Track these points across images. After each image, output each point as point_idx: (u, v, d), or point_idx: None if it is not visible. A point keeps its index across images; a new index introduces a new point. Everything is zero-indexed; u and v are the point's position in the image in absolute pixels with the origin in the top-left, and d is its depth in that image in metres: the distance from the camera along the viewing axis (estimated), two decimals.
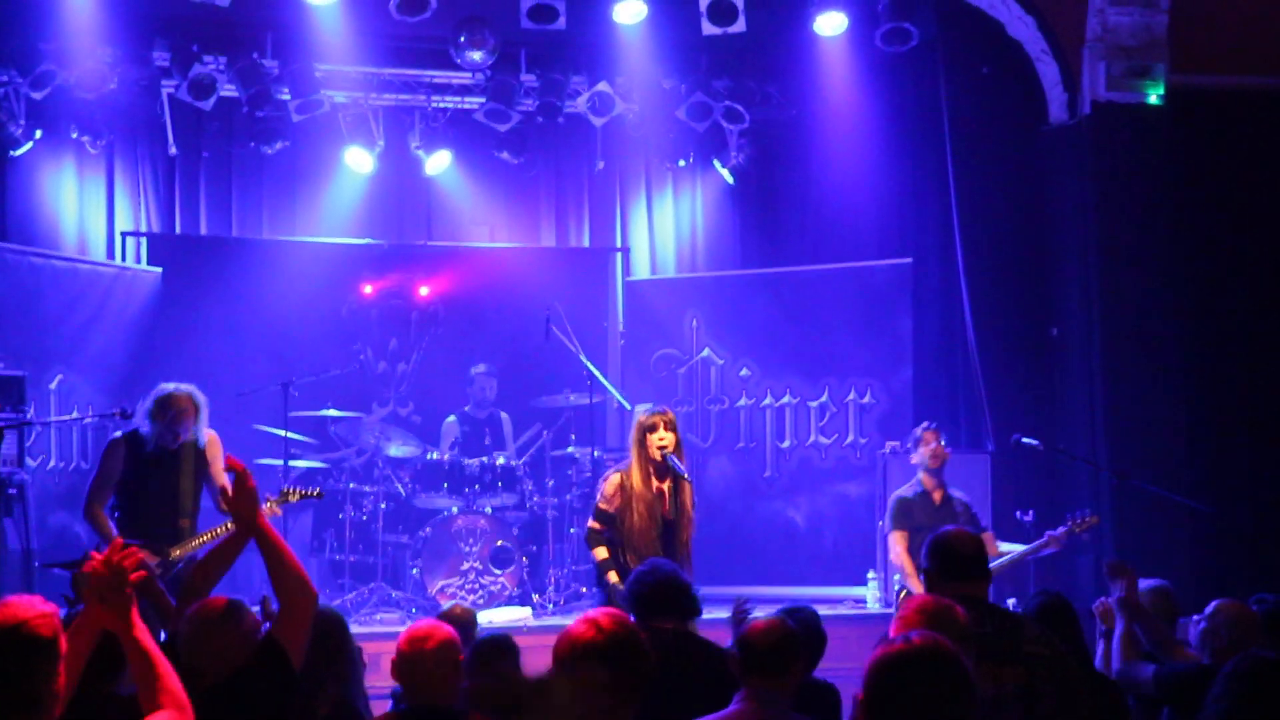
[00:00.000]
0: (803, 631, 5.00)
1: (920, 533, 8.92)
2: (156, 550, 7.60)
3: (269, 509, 7.75)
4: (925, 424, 9.35)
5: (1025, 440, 9.32)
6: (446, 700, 4.79)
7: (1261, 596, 6.20)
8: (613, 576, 7.63)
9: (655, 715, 4.01)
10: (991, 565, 5.69)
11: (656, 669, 3.84)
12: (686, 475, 7.79)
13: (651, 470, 7.80)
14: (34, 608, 3.75)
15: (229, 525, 7.60)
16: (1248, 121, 10.83)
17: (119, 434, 7.95)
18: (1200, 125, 10.78)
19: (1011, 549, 8.84)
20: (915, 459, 9.25)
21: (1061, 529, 8.65)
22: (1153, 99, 10.77)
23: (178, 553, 7.69)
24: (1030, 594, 6.32)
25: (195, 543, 7.76)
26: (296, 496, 8.05)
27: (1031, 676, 4.73)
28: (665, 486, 7.78)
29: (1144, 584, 6.80)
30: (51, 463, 10.60)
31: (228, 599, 4.82)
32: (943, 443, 9.20)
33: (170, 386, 7.94)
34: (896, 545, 9.06)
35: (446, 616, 6.33)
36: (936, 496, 9.11)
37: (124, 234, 12.08)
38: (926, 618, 4.12)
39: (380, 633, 9.32)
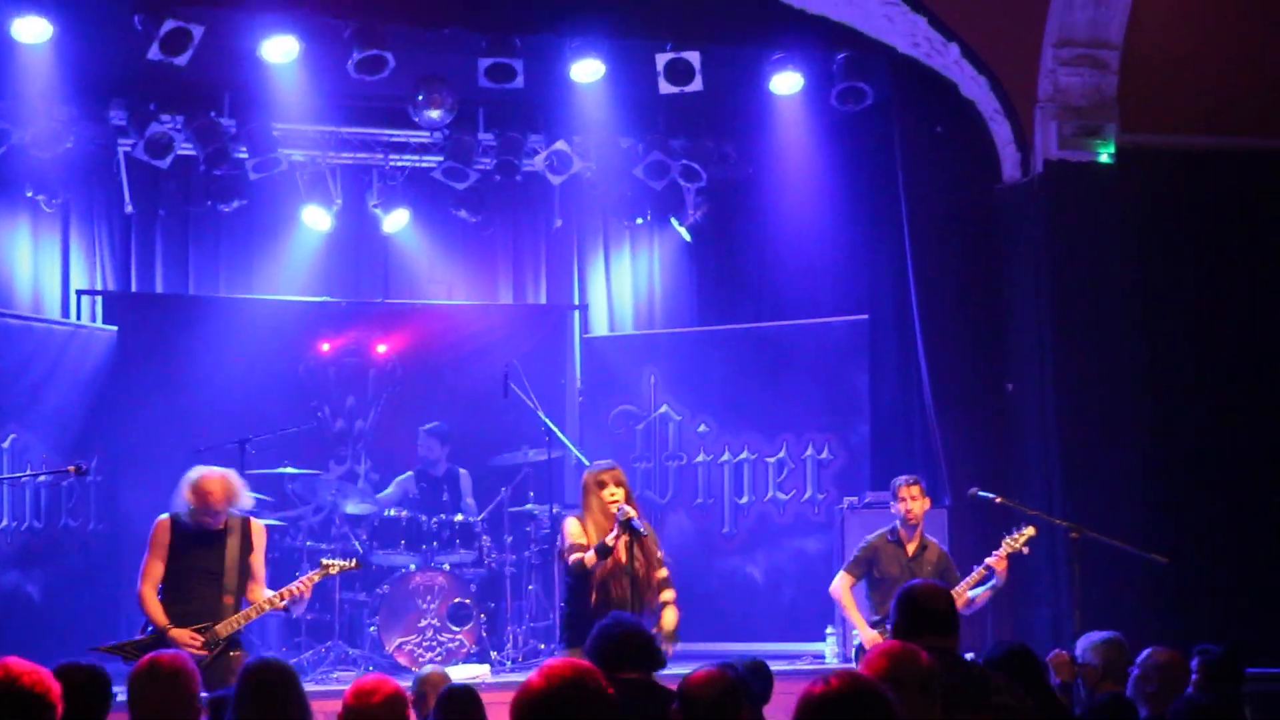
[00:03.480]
0: (749, 679, 4.96)
1: (885, 583, 8.99)
2: (205, 630, 7.59)
3: (312, 579, 7.94)
4: (902, 477, 9.33)
5: (981, 493, 9.36)
6: None
7: (1204, 647, 6.26)
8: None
9: None
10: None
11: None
12: (644, 530, 7.78)
13: (605, 525, 7.80)
14: (34, 668, 3.75)
15: (270, 602, 7.70)
16: (1197, 180, 10.94)
17: (165, 515, 7.86)
18: (1151, 183, 10.88)
19: (972, 593, 8.84)
20: (893, 510, 9.23)
21: (995, 558, 8.71)
22: (1104, 158, 10.88)
23: (223, 632, 7.66)
24: (989, 646, 6.34)
25: (238, 622, 7.73)
26: (337, 569, 8.19)
27: None
28: (618, 543, 7.76)
29: (1097, 636, 6.86)
30: (3, 522, 10.50)
31: (176, 655, 4.82)
32: (920, 496, 9.17)
33: (201, 472, 7.90)
34: (839, 585, 9.14)
35: (425, 682, 6.31)
36: (910, 548, 9.10)
37: (79, 292, 12.05)
38: (890, 661, 4.10)
39: (336, 690, 9.23)
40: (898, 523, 9.15)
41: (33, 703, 3.70)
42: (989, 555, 8.83)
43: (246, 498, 8.00)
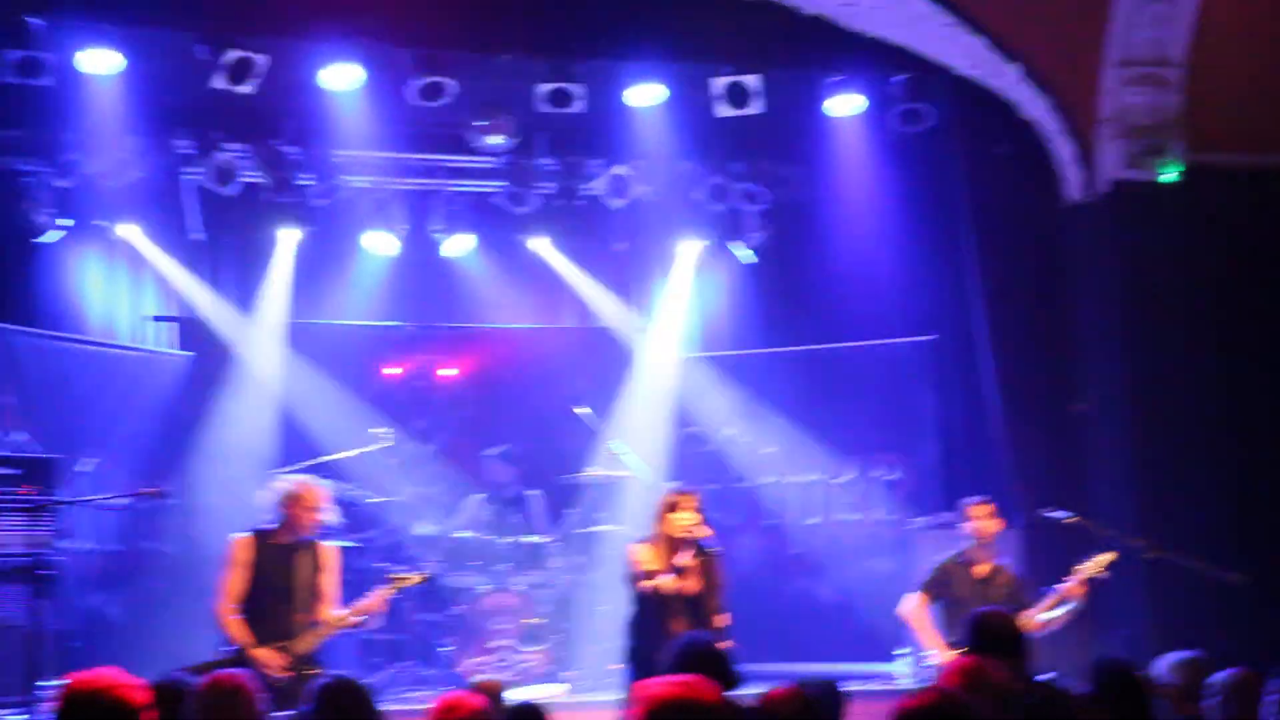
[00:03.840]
0: (819, 699, 4.98)
1: (956, 605, 8.96)
2: (283, 650, 7.68)
3: (384, 595, 8.09)
4: (971, 498, 9.33)
5: (1053, 513, 9.33)
6: None
7: None
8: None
9: None
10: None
11: None
12: (713, 549, 7.80)
13: (674, 546, 7.82)
14: (128, 678, 3.89)
15: (344, 619, 7.87)
16: (1266, 198, 10.90)
17: (243, 533, 7.96)
18: (1218, 202, 10.83)
19: (1048, 616, 8.80)
20: (965, 528, 9.21)
21: (1071, 580, 8.66)
22: (1169, 177, 10.85)
23: (301, 649, 7.73)
24: (1091, 663, 6.31)
25: (316, 638, 7.84)
26: (408, 583, 8.33)
27: None
28: (688, 563, 7.77)
29: (1177, 656, 6.82)
30: (85, 545, 10.64)
31: (235, 675, 4.89)
32: (990, 516, 9.16)
33: (296, 481, 7.99)
34: (911, 604, 9.09)
35: (476, 689, 6.34)
36: (982, 570, 9.08)
37: (156, 318, 12.21)
38: (964, 677, 4.12)
39: (411, 710, 9.28)
40: (971, 544, 9.13)
41: (123, 713, 3.84)
42: (1064, 577, 8.79)
43: (334, 510, 8.10)
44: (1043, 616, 8.69)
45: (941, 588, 9.09)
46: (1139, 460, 10.61)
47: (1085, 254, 11.13)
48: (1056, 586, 8.79)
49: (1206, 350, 10.73)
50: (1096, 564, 8.69)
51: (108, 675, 4.02)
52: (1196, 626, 9.33)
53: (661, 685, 3.81)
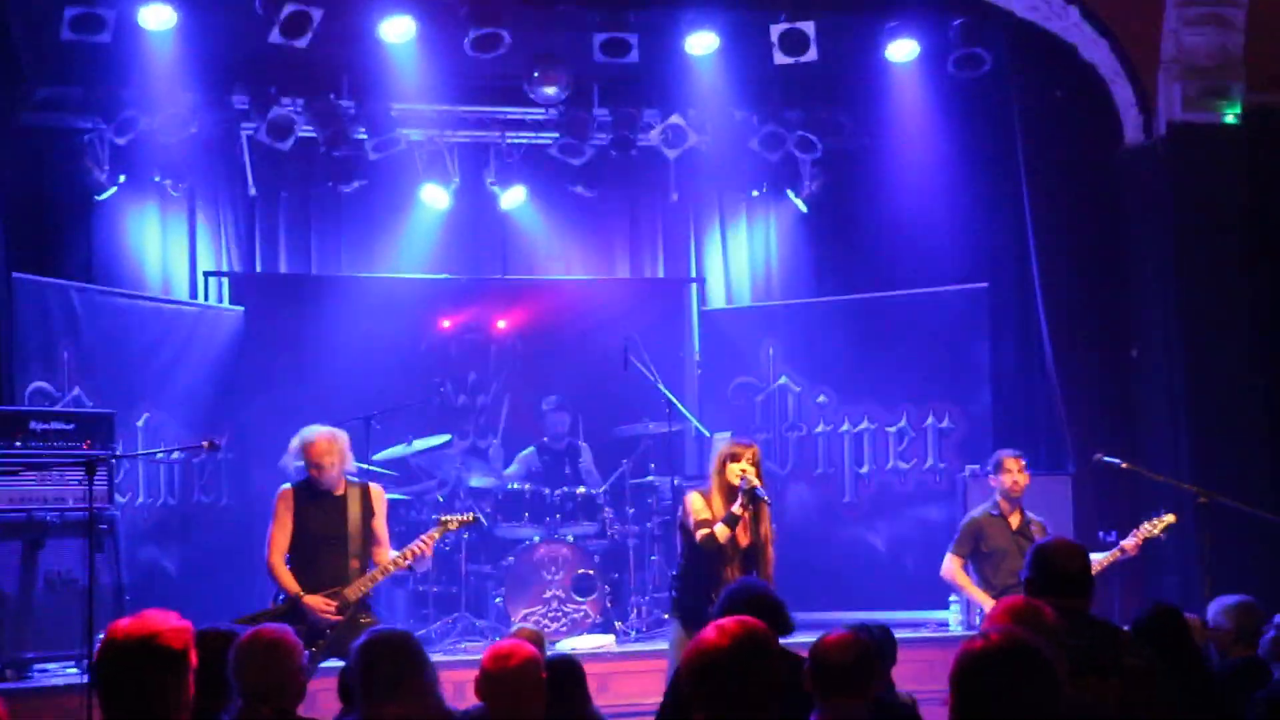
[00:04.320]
0: (875, 645, 4.95)
1: (994, 555, 8.98)
2: (335, 595, 7.79)
3: (433, 537, 8.12)
4: (1008, 450, 9.30)
5: (1106, 459, 9.26)
6: (530, 718, 4.82)
7: None
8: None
9: None
10: None
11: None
12: (767, 498, 7.78)
13: (731, 496, 7.80)
14: (167, 621, 3.93)
15: (395, 563, 7.92)
16: None
17: (287, 485, 8.06)
18: (1278, 145, 10.67)
19: (1094, 558, 8.77)
20: (994, 483, 9.21)
21: (1131, 539, 8.62)
22: (1230, 119, 10.69)
23: (352, 595, 7.84)
24: (1136, 608, 6.27)
25: (367, 583, 7.92)
26: (456, 524, 8.38)
27: (1127, 688, 4.69)
28: (745, 514, 7.76)
29: (1229, 600, 6.79)
30: (140, 499, 10.81)
31: (278, 628, 4.92)
32: (1025, 469, 9.15)
33: (306, 431, 8.06)
34: (949, 566, 9.14)
35: (515, 637, 6.38)
36: (1014, 521, 9.07)
37: (206, 274, 12.28)
38: (1013, 617, 4.08)
39: (464, 660, 9.39)
40: (998, 497, 9.11)
41: (164, 657, 3.89)
42: (1126, 533, 8.74)
43: (349, 457, 8.14)
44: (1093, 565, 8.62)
45: (976, 541, 9.09)
46: (1192, 407, 10.50)
47: (1142, 198, 10.98)
48: (1119, 543, 8.74)
49: (1261, 294, 10.59)
50: (1158, 525, 8.63)
51: (149, 620, 4.06)
52: (1249, 573, 9.27)
53: (716, 627, 3.78)
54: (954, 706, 3.19)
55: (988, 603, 8.79)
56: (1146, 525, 8.67)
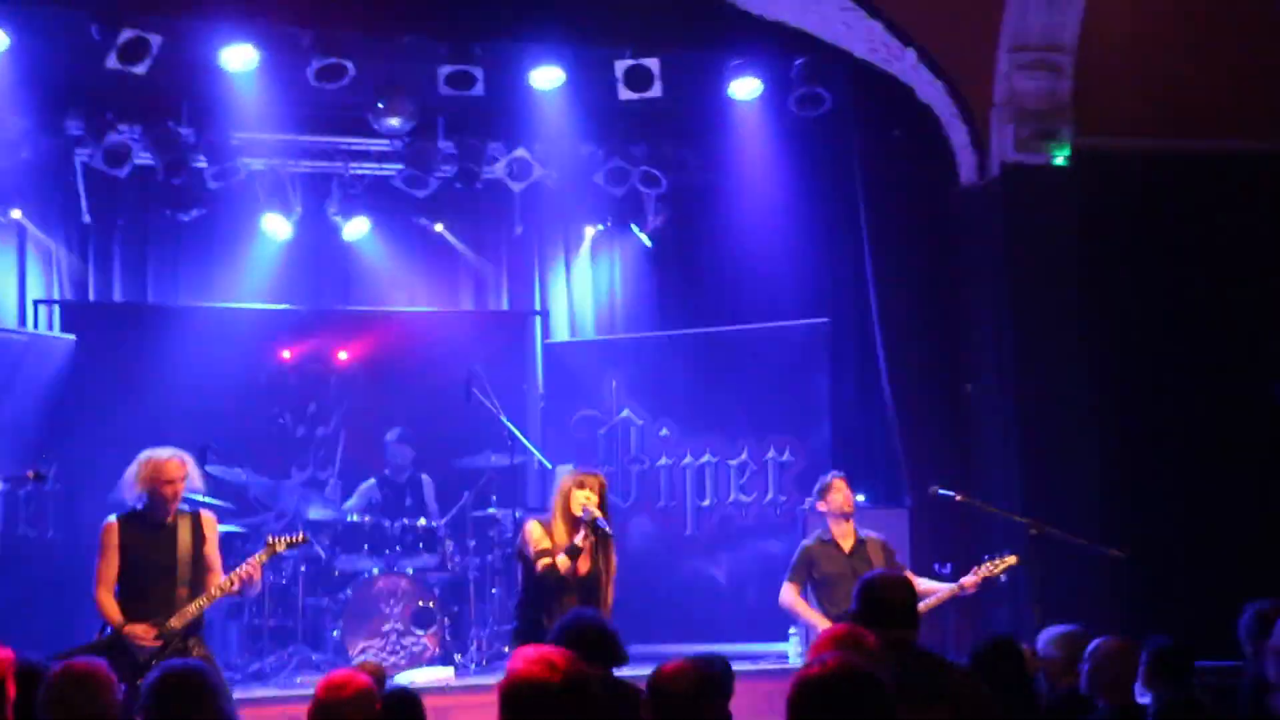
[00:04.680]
0: (714, 675, 4.96)
1: (830, 582, 9.09)
2: (157, 624, 7.56)
3: (259, 559, 7.89)
4: (833, 472, 9.47)
5: (942, 491, 9.44)
6: None
7: (1155, 639, 6.30)
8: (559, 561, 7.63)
9: None
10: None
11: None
12: (609, 530, 7.79)
13: (574, 527, 7.79)
14: None
15: (221, 587, 7.69)
16: (1153, 182, 11.05)
17: (112, 517, 7.78)
18: (1107, 186, 10.96)
19: (932, 586, 8.91)
20: (823, 507, 9.32)
21: (972, 576, 8.78)
22: (1059, 160, 10.97)
23: (177, 624, 7.61)
24: (976, 639, 6.38)
25: (192, 610, 7.68)
26: (284, 545, 8.20)
27: (958, 714, 4.76)
28: (586, 545, 7.76)
29: (1059, 629, 6.90)
30: None
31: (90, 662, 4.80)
32: (847, 487, 9.31)
33: (150, 452, 7.84)
34: (786, 594, 9.22)
35: (358, 670, 6.28)
36: (846, 545, 9.21)
37: (36, 301, 11.99)
38: (836, 644, 4.11)
39: (300, 695, 9.21)
40: (829, 522, 9.25)
41: None
42: (959, 567, 8.90)
43: (197, 476, 7.98)
44: (924, 587, 8.77)
45: (809, 569, 9.20)
46: (1024, 440, 10.72)
47: (977, 236, 11.22)
48: (959, 580, 8.90)
49: (1092, 332, 10.86)
50: (999, 565, 8.78)
51: None
52: (1078, 604, 9.47)
53: (520, 660, 3.75)
54: None
55: (824, 625, 8.89)
56: (988, 564, 8.81)
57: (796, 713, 3.22)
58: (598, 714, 3.62)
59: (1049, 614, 8.17)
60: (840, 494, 9.21)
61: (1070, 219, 10.93)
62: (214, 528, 8.01)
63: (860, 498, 9.34)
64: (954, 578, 9.17)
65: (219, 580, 7.80)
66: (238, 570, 7.82)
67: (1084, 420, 10.76)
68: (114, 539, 7.71)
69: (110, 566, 7.69)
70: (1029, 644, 7.04)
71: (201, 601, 7.73)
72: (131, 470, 7.78)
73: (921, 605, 8.57)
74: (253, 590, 8.24)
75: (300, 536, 8.42)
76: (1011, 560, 8.79)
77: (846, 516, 9.22)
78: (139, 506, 7.78)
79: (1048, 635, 6.95)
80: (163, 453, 7.79)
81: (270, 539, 8.19)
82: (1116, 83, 11.07)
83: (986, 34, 11.01)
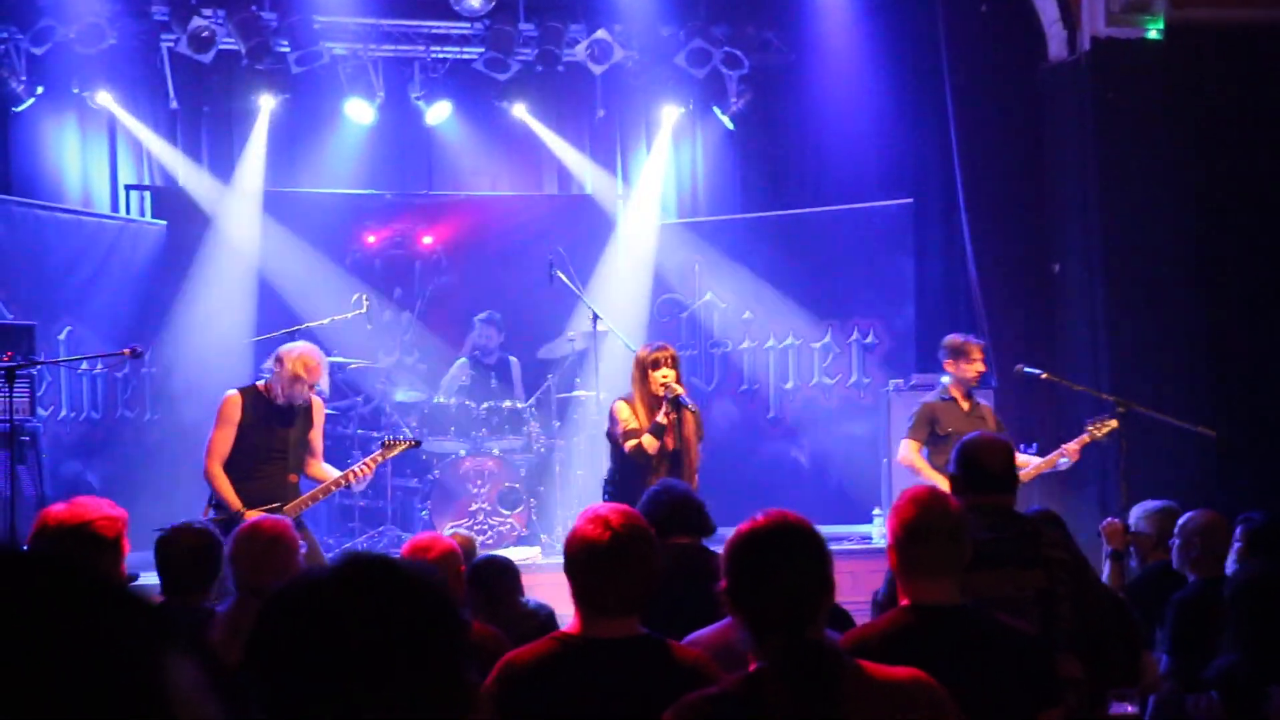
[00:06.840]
0: None
1: (950, 439, 8.97)
2: (274, 512, 7.56)
3: (377, 459, 7.99)
4: (971, 336, 9.29)
5: (1028, 370, 9.36)
6: None
7: (1248, 515, 6.24)
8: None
9: (673, 627, 4.03)
10: None
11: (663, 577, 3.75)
12: (691, 405, 7.83)
13: (654, 405, 7.83)
14: (101, 509, 4.00)
15: (337, 483, 7.78)
16: (1246, 55, 10.80)
17: (234, 390, 7.75)
18: (1200, 60, 10.75)
19: (1028, 460, 8.83)
20: (951, 368, 9.10)
21: (1075, 444, 8.71)
22: (1152, 34, 10.76)
23: (293, 513, 7.48)
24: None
25: (308, 501, 7.74)
26: (401, 448, 8.20)
27: (1051, 580, 4.75)
28: (669, 420, 7.80)
29: (1151, 505, 6.92)
30: (63, 413, 10.72)
31: (279, 521, 4.93)
32: (982, 357, 9.17)
33: (301, 347, 7.80)
34: (905, 450, 9.05)
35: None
36: (965, 405, 9.11)
37: (127, 187, 12.13)
38: (918, 509, 4.07)
39: None
40: (948, 383, 9.12)
41: (101, 540, 3.96)
42: (1044, 447, 8.83)
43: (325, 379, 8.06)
44: (1021, 461, 8.70)
45: (931, 425, 9.05)
46: (1112, 320, 10.64)
47: (1065, 114, 11.06)
48: (1062, 445, 8.84)
49: (1185, 209, 10.71)
50: (1102, 428, 8.69)
51: (84, 507, 4.13)
52: (1166, 484, 9.42)
53: (580, 519, 3.71)
54: (726, 586, 3.16)
55: (944, 484, 8.81)
56: (1090, 428, 8.72)
57: (730, 566, 3.18)
58: (649, 572, 3.61)
59: (1135, 495, 8.12)
60: (974, 365, 9.07)
61: (1162, 95, 10.74)
62: (322, 413, 8.04)
63: (945, 378, 9.21)
64: (1040, 457, 9.12)
65: (331, 472, 7.84)
66: (354, 468, 7.87)
67: (1173, 299, 10.64)
68: (235, 413, 7.65)
69: (226, 441, 7.61)
70: (1120, 519, 7.06)
71: (317, 494, 7.76)
72: (282, 357, 7.68)
73: (1021, 474, 8.62)
74: (361, 486, 8.33)
75: (415, 441, 8.43)
76: (1113, 424, 8.65)
77: (965, 384, 9.10)
78: (262, 385, 7.81)
79: (1139, 510, 6.95)
80: (313, 351, 7.77)
81: (387, 439, 8.20)
82: None
83: None
